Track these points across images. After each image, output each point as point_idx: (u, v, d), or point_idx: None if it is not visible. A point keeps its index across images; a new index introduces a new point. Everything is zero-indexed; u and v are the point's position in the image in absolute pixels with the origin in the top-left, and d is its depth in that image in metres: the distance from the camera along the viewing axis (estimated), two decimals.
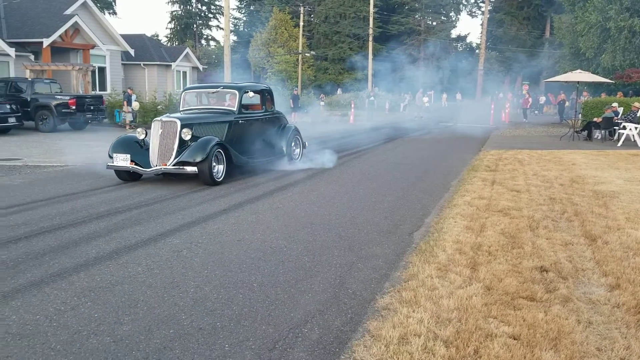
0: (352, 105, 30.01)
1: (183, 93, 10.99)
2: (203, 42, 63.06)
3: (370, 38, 43.28)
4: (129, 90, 21.41)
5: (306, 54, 45.90)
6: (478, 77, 45.79)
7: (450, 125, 26.58)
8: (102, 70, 29.22)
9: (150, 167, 9.01)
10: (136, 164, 9.04)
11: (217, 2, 62.17)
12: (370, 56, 42.06)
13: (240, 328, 3.63)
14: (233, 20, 61.42)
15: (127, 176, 9.32)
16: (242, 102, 10.46)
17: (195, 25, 62.36)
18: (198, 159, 8.77)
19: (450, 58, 53.35)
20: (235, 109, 10.28)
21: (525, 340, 3.43)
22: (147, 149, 9.21)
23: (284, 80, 38.87)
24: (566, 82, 23.16)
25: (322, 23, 55.88)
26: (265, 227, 6.34)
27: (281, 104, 27.56)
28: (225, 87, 10.90)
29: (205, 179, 8.93)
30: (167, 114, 9.59)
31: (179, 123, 9.12)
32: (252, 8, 62.11)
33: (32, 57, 24.50)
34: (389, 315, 3.80)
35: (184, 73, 37.26)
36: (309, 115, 29.77)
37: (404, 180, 9.95)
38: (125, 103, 21.34)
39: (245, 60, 45.84)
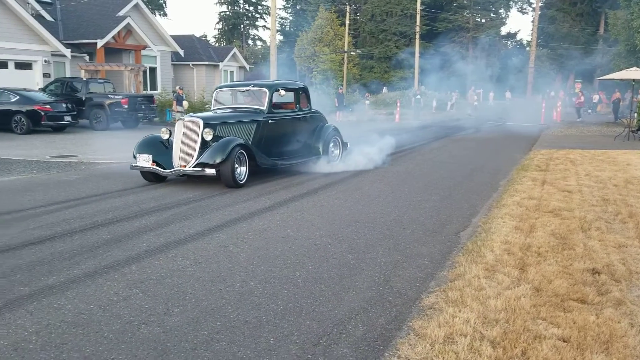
0: (398, 104, 29.79)
1: (215, 92, 10.76)
2: (250, 42, 63.88)
3: (417, 36, 42.84)
4: (179, 90, 21.88)
5: (352, 53, 45.83)
6: (528, 75, 44.67)
7: (499, 124, 26.03)
8: (152, 70, 30.01)
9: (172, 168, 8.75)
10: (158, 165, 8.80)
11: (264, 2, 62.89)
12: (417, 54, 41.62)
13: (285, 322, 3.67)
14: (279, 19, 61.94)
15: (152, 177, 9.09)
16: (275, 101, 10.16)
17: (242, 26, 63.24)
18: (218, 160, 8.39)
19: (500, 56, 52.25)
20: (264, 108, 9.84)
21: (575, 342, 3.33)
22: (171, 149, 8.94)
23: (329, 79, 38.92)
24: (621, 80, 22.32)
25: (368, 21, 55.69)
26: (310, 225, 6.38)
27: (326, 103, 27.67)
28: (255, 85, 10.45)
29: (227, 181, 8.55)
30: (191, 114, 9.35)
31: (201, 123, 8.78)
32: (298, 7, 62.52)
33: (86, 57, 25.39)
34: (435, 315, 3.77)
35: (231, 73, 37.84)
36: (354, 114, 29.72)
37: (450, 179, 9.82)
38: (175, 102, 21.84)
39: (291, 60, 46.15)
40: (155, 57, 29.93)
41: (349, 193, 8.37)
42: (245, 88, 10.40)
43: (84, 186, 8.78)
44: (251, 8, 63.76)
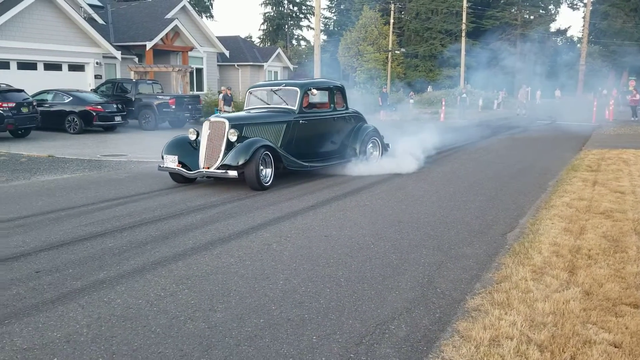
0: (443, 103, 29.39)
1: (248, 92, 10.55)
2: (294, 42, 64.26)
3: (463, 34, 42.16)
4: (227, 91, 22.11)
5: (396, 52, 45.49)
6: (579, 73, 43.29)
7: (548, 122, 25.34)
8: (199, 71, 30.58)
9: (197, 170, 8.60)
10: (184, 166, 8.67)
11: (308, 3, 63.14)
12: (463, 52, 40.96)
13: (328, 321, 3.68)
14: (323, 19, 62.12)
15: (180, 178, 8.91)
16: (311, 101, 9.98)
17: (286, 26, 63.69)
18: (241, 162, 8.16)
19: (549, 53, 50.83)
20: (295, 108, 9.55)
21: (628, 348, 3.22)
22: (199, 150, 8.75)
23: (373, 79, 38.74)
24: None
25: (413, 19, 55.15)
26: (353, 224, 6.37)
27: (370, 102, 27.56)
28: (287, 84, 10.18)
29: (251, 183, 8.30)
30: (217, 114, 9.19)
31: (227, 123, 8.56)
32: (342, 7, 62.50)
33: (136, 59, 26.10)
34: (480, 317, 3.70)
35: (275, 73, 38.17)
36: (398, 113, 29.50)
37: (497, 179, 9.62)
38: (222, 102, 22.17)
39: (335, 59, 46.18)
40: (202, 58, 30.49)
41: (392, 193, 8.31)
42: (277, 87, 10.20)
43: (133, 184, 9.02)
44: (295, 8, 64.15)
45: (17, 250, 5.22)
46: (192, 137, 9.00)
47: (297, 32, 65.85)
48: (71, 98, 18.34)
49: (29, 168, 10.67)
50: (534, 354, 3.16)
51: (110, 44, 23.64)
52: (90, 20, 24.42)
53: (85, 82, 22.54)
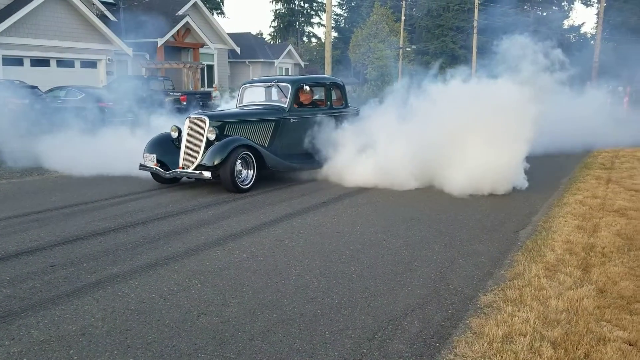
0: None
1: (241, 88, 10.02)
2: (305, 39, 64.24)
3: (475, 31, 41.92)
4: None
5: (407, 49, 45.35)
6: (592, 70, 42.89)
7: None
8: (210, 67, 30.69)
9: (173, 169, 8.13)
10: (162, 165, 8.25)
11: (319, 0, 63.06)
12: (474, 49, 40.74)
13: (340, 317, 3.69)
14: (334, 16, 62.01)
15: (161, 178, 8.41)
16: (312, 98, 9.56)
17: (297, 23, 63.65)
18: (216, 162, 7.68)
19: (562, 49, 50.29)
20: (286, 106, 9.06)
21: None
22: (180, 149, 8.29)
23: (384, 76, 38.65)
24: None
25: (424, 16, 54.91)
26: (364, 221, 6.37)
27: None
28: (279, 80, 9.64)
29: (226, 185, 7.83)
30: (199, 111, 8.66)
31: (207, 121, 8.11)
32: (353, 4, 62.37)
33: (147, 56, 26.23)
34: (492, 313, 3.70)
35: (287, 70, 38.20)
36: None
37: None
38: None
39: (345, 56, 46.14)
40: (213, 54, 30.61)
41: (402, 190, 8.27)
42: (269, 83, 9.69)
43: (144, 181, 9.07)
44: (306, 5, 64.08)
45: (33, 244, 5.28)
46: (174, 134, 8.52)
47: (307, 29, 65.80)
48: (84, 95, 18.47)
49: None
50: (547, 351, 3.15)
51: (122, 40, 23.76)
52: (103, 17, 24.56)
53: (97, 79, 22.70)
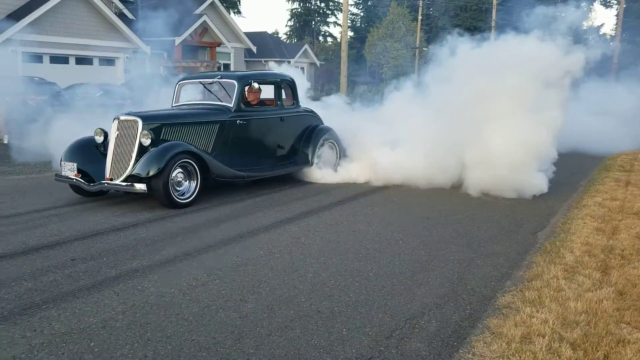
0: None
1: (177, 85, 8.58)
2: (320, 38, 64.28)
3: (493, 31, 41.64)
4: None
5: (423, 48, 45.17)
6: (611, 72, 42.40)
7: None
8: (226, 66, 30.84)
9: (99, 181, 6.85)
10: (84, 176, 6.97)
11: None
12: None
13: (357, 314, 3.70)
14: (350, 16, 61.94)
15: (81, 190, 7.15)
16: (260, 97, 8.39)
17: (313, 22, 63.71)
18: (152, 172, 6.49)
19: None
20: (232, 105, 7.80)
21: None
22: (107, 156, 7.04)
23: (400, 76, 38.53)
24: None
25: (441, 16, 54.65)
26: (381, 220, 6.37)
27: None
28: (223, 76, 8.34)
29: (160, 199, 6.66)
30: (130, 111, 7.42)
31: (140, 123, 6.86)
32: (369, 3, 62.27)
33: (165, 54, 26.43)
34: (511, 314, 3.68)
35: (302, 69, 38.25)
36: None
37: None
38: None
39: (361, 56, 46.09)
40: (229, 53, 30.77)
41: (420, 189, 8.25)
42: (211, 80, 8.29)
43: None
44: (322, 4, 64.10)
45: (53, 238, 5.35)
46: (98, 139, 7.24)
47: (323, 28, 65.80)
48: (102, 92, 18.66)
49: None
50: (566, 352, 3.13)
51: (140, 38, 23.97)
52: (121, 16, 24.79)
53: (115, 77, 22.92)
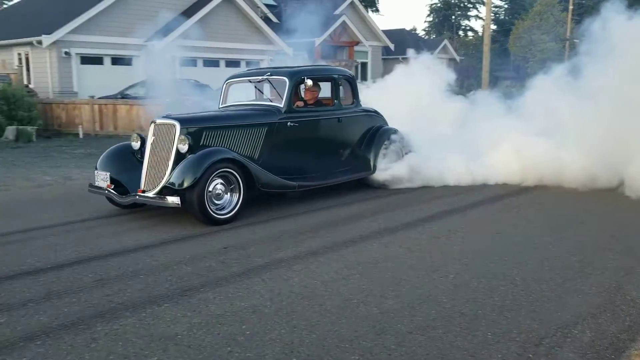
0: None
1: (225, 84, 7.81)
2: (460, 33, 62.44)
3: None
4: None
5: (574, 40, 42.02)
6: None
7: None
8: (364, 65, 31.17)
9: (132, 193, 6.17)
10: (118, 186, 6.31)
11: None
12: None
13: (503, 319, 3.56)
14: (494, 8, 59.47)
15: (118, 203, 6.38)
16: (317, 97, 7.59)
17: (453, 17, 62.11)
18: (186, 183, 5.72)
19: None
20: (282, 105, 6.94)
21: None
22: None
23: (547, 70, 36.20)
24: None
25: (596, 5, 50.42)
26: (527, 222, 6.05)
27: None
28: (273, 73, 7.34)
29: (194, 214, 5.90)
30: (168, 114, 6.51)
31: (177, 126, 6.11)
32: None
33: (306, 55, 27.37)
34: None
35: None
36: None
37: None
38: None
39: (504, 50, 44.04)
40: (367, 52, 31.04)
41: (569, 190, 7.69)
42: (260, 77, 7.42)
43: None
44: None
45: (208, 229, 5.79)
46: (135, 145, 6.61)
47: (464, 22, 63.95)
48: None
49: None
50: None
51: (283, 40, 25.06)
52: (266, 19, 26.10)
53: None
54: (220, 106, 7.65)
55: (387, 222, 6.07)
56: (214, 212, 5.90)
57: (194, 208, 5.79)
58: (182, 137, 6.04)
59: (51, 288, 4.12)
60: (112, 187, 6.29)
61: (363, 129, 7.96)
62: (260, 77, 7.41)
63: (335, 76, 7.69)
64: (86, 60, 20.26)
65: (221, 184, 6.00)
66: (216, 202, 5.96)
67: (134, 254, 4.96)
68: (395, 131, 8.14)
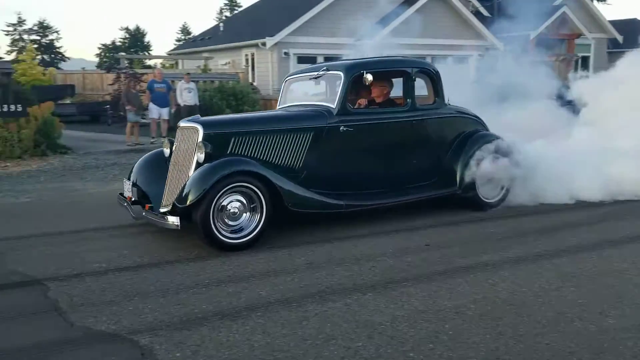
0: None
1: (285, 82, 6.79)
2: None
3: None
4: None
5: None
6: None
7: None
8: (585, 59, 28.44)
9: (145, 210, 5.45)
10: (143, 197, 5.60)
11: None
12: None
13: None
14: None
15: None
16: (365, 94, 6.20)
17: None
18: (190, 200, 4.80)
19: None
20: (334, 106, 5.71)
21: None
22: None
23: None
24: None
25: None
26: None
27: None
28: (330, 67, 6.11)
29: (200, 237, 4.97)
30: (196, 115, 5.79)
31: (200, 131, 5.23)
32: None
33: (518, 50, 25.91)
34: None
35: None
36: None
37: None
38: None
39: None
40: (589, 45, 28.27)
41: None
42: (316, 73, 6.19)
43: None
44: None
45: (409, 224, 5.84)
46: (167, 151, 5.82)
47: None
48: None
49: None
50: None
51: (494, 35, 24.05)
52: (476, 14, 25.27)
53: (467, 74, 23.56)
54: (279, 106, 6.69)
55: (608, 233, 5.49)
56: (223, 235, 4.92)
57: (199, 228, 4.87)
58: (200, 143, 5.15)
59: (269, 267, 4.55)
60: (132, 199, 5.60)
61: (449, 134, 6.41)
62: (315, 73, 6.23)
63: (409, 70, 6.16)
64: (302, 59, 21.80)
65: (238, 200, 5.01)
66: (230, 222, 4.99)
67: (341, 242, 5.23)
68: (496, 137, 6.47)
